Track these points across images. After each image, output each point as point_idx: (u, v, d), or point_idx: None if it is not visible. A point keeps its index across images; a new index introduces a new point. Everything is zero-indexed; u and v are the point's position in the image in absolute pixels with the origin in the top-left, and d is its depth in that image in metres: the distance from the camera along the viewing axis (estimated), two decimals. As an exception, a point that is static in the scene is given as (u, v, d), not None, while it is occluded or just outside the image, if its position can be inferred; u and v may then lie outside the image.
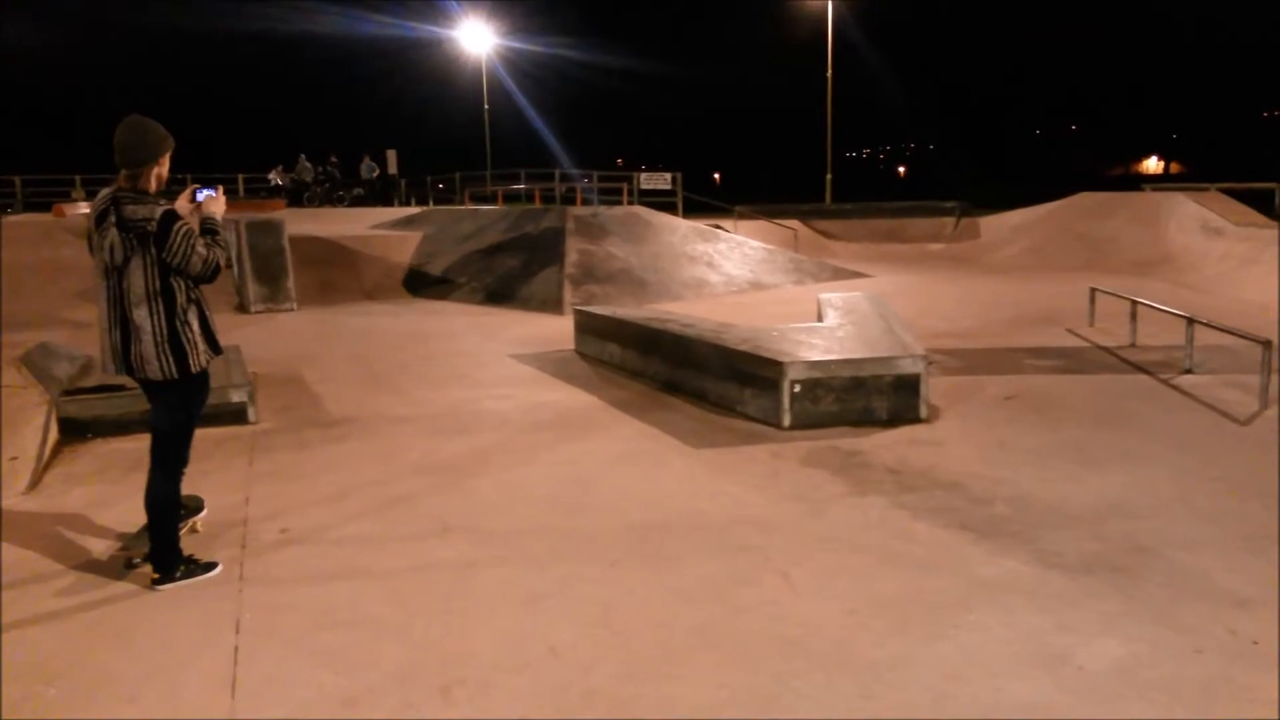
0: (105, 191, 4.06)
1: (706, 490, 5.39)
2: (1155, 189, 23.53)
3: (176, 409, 4.18)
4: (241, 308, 13.86)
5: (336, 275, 15.30)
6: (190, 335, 4.08)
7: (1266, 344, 6.96)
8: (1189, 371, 8.07)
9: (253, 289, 13.78)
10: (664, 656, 3.49)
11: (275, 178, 32.02)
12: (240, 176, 32.95)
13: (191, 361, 4.08)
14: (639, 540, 4.65)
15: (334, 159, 31.98)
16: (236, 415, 6.83)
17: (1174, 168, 79.76)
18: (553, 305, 13.21)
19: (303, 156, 31.66)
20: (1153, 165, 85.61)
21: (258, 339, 10.78)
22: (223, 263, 4.10)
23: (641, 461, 6.00)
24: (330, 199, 30.16)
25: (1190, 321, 8.22)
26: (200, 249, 3.99)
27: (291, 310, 13.74)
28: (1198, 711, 3.07)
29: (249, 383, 7.10)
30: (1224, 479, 5.41)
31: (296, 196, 29.84)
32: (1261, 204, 21.91)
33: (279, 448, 6.35)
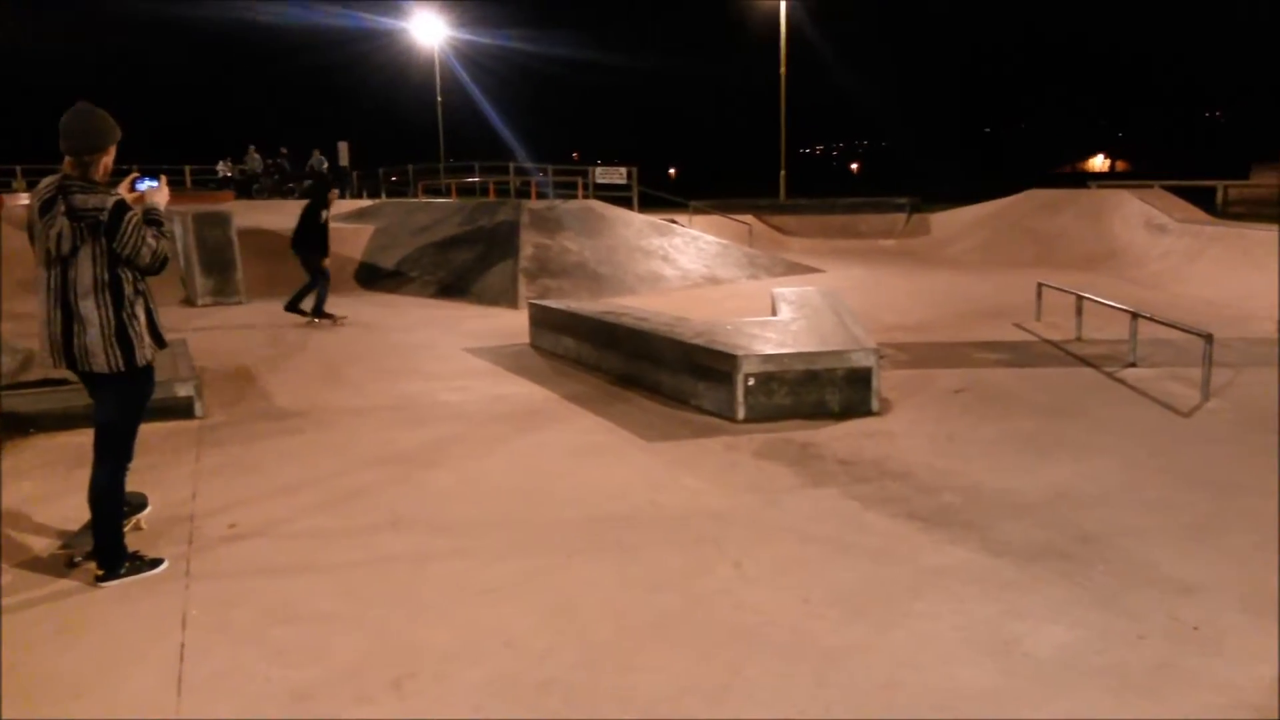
0: (50, 180, 3.96)
1: (662, 482, 5.40)
2: (1101, 186, 24.01)
3: (121, 403, 4.10)
4: (189, 301, 13.62)
5: (287, 268, 14.93)
6: (137, 328, 4.00)
7: (1208, 338, 7.13)
8: (1133, 365, 8.25)
9: (200, 282, 13.53)
10: (621, 646, 3.50)
11: (224, 169, 31.48)
12: (187, 168, 32.33)
13: (138, 354, 4.00)
14: (596, 532, 4.65)
15: (284, 151, 31.50)
16: (183, 409, 6.70)
17: (1120, 165, 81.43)
18: (508, 299, 13.14)
19: (252, 148, 31.16)
20: (1099, 163, 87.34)
21: (206, 332, 10.60)
22: (168, 254, 4.03)
23: (598, 454, 6.00)
24: (280, 191, 29.69)
25: (1134, 316, 8.39)
26: (150, 240, 3.92)
27: (240, 303, 13.52)
28: (1142, 696, 3.14)
29: (196, 376, 6.98)
30: (1169, 469, 5.53)
31: (245, 188, 29.36)
32: (1203, 201, 22.45)
33: (228, 442, 6.24)
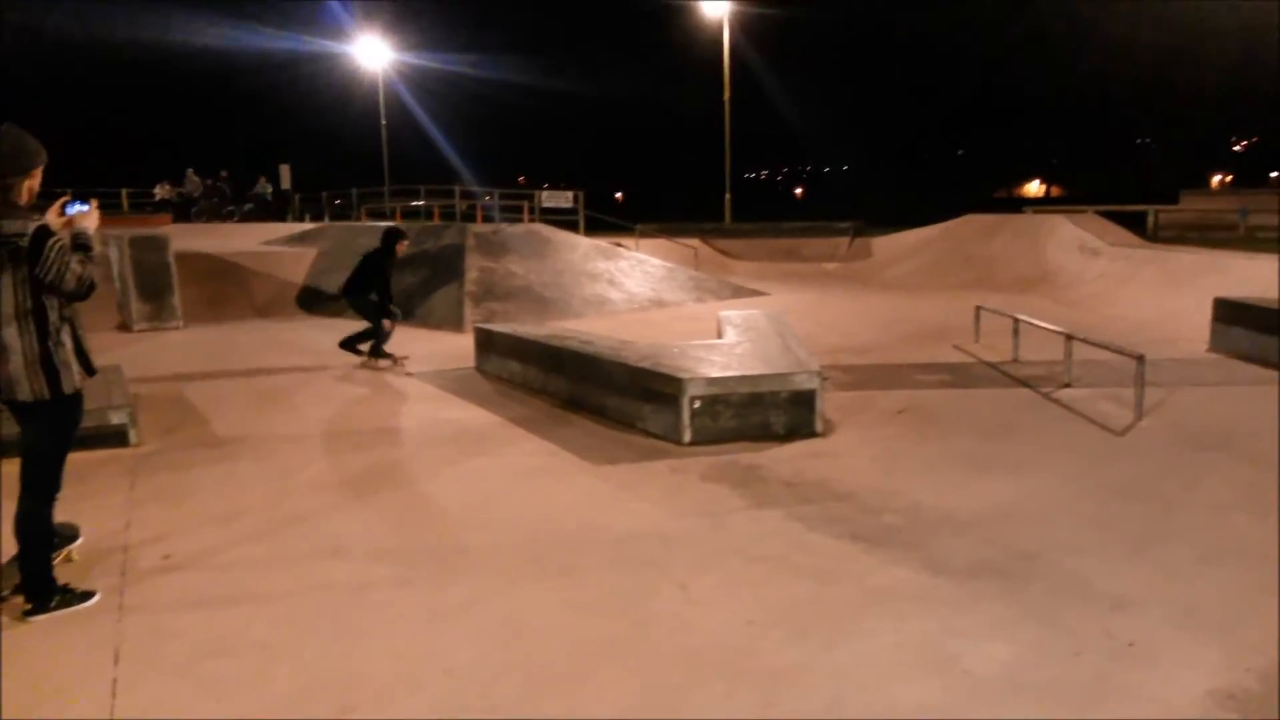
0: None
1: (608, 506, 5.39)
2: (1036, 211, 24.61)
3: (48, 432, 3.98)
4: (124, 326, 13.31)
5: (226, 292, 14.83)
6: (63, 355, 3.90)
7: (1140, 359, 7.32)
8: (1069, 385, 8.44)
9: (136, 306, 13.24)
10: (566, 672, 3.47)
11: (161, 192, 30.90)
12: (124, 191, 31.71)
13: (64, 382, 3.90)
14: (541, 556, 4.62)
15: (224, 173, 31.02)
16: (117, 437, 6.53)
17: (1055, 191, 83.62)
18: (453, 322, 13.05)
19: (190, 171, 30.63)
20: (1035, 189, 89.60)
21: (141, 358, 10.36)
22: (96, 280, 3.93)
23: (543, 478, 5.97)
24: (220, 214, 29.22)
25: (1069, 338, 8.60)
26: (75, 266, 3.82)
27: (178, 328, 13.26)
28: (1079, 711, 3.20)
29: (130, 403, 6.81)
30: (1104, 487, 5.66)
31: (184, 212, 28.84)
32: (1135, 225, 23.12)
33: (163, 469, 6.10)
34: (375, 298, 9.87)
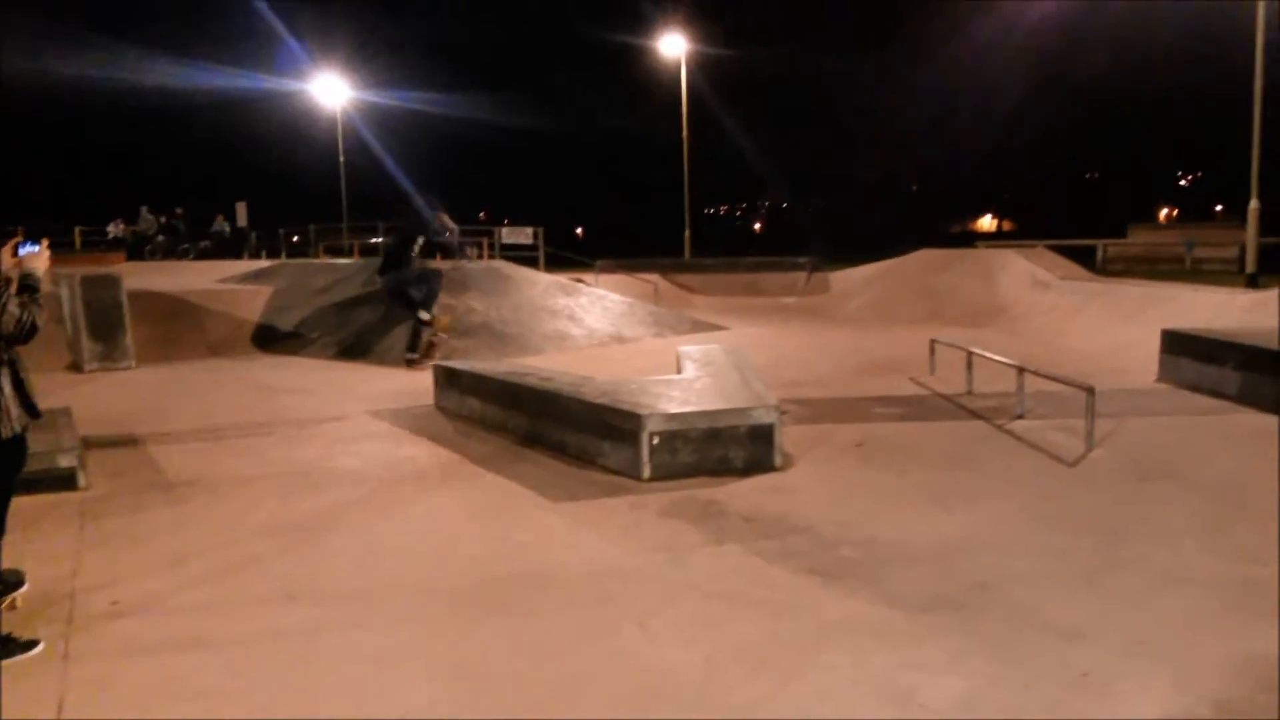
0: None
1: (567, 543, 5.37)
2: (988, 246, 25.07)
3: None
4: (75, 366, 13.06)
5: (180, 331, 14.62)
6: (2, 400, 3.83)
7: (1090, 390, 7.46)
8: (1021, 417, 8.57)
9: (87, 347, 12.99)
10: (524, 713, 3.44)
11: (115, 230, 30.52)
12: (77, 229, 31.29)
13: (4, 426, 3.83)
14: (498, 595, 4.58)
15: (180, 211, 30.73)
16: (65, 481, 6.39)
17: (1006, 225, 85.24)
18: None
19: (145, 208, 30.32)
20: (987, 223, 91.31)
21: (92, 399, 10.17)
22: (39, 322, 3.88)
23: (501, 516, 5.93)
24: (175, 252, 28.91)
25: (1020, 370, 8.74)
26: (13, 308, 3.77)
27: (130, 368, 13.03)
28: (1032, 739, 3.23)
29: (79, 446, 6.68)
30: (1057, 517, 5.74)
31: (138, 249, 28.49)
32: (1084, 259, 23.64)
33: (112, 513, 5.98)
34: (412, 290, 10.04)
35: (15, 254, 3.95)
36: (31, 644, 3.99)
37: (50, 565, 4.95)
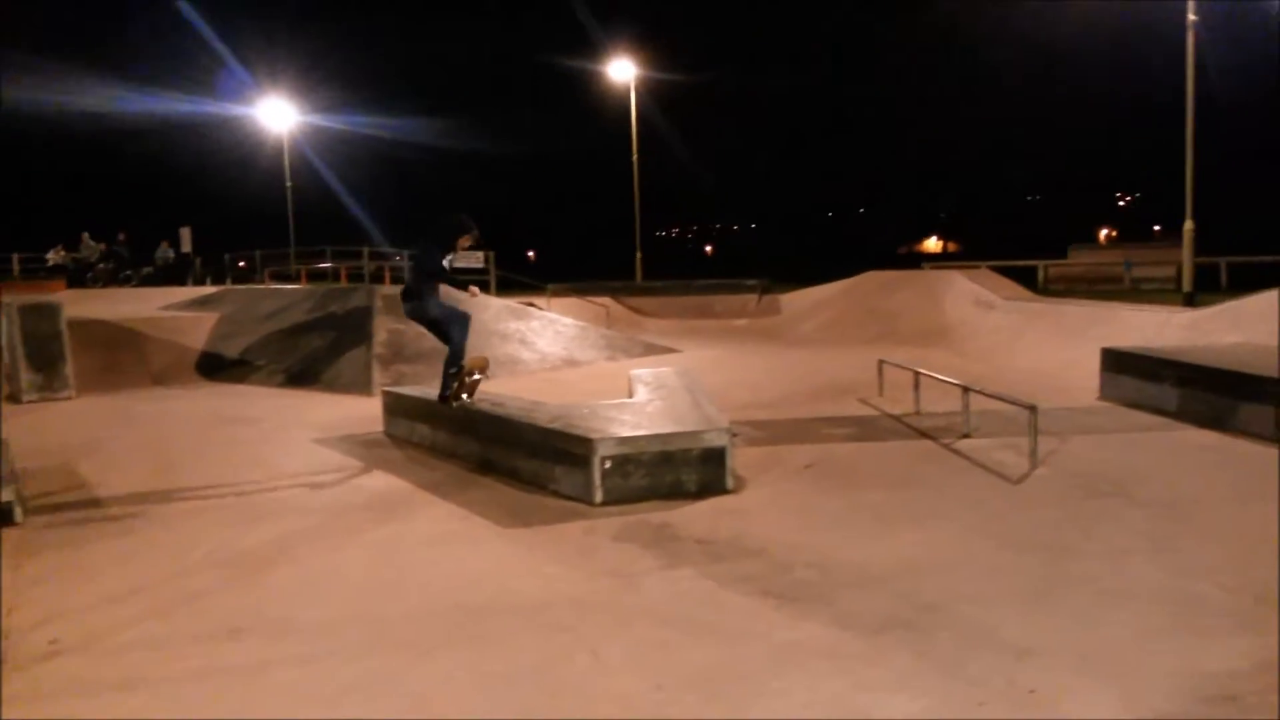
0: None
1: (520, 570, 5.33)
2: (933, 267, 25.50)
3: None
4: (13, 397, 12.72)
5: (122, 359, 14.32)
6: None
7: (1032, 409, 7.60)
8: (967, 436, 8.70)
9: (25, 376, 12.68)
10: (473, 747, 3.40)
11: (55, 257, 29.83)
12: (15, 256, 30.55)
13: None
14: (452, 625, 4.53)
15: (123, 236, 30.14)
16: (2, 515, 6.21)
17: (952, 246, 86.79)
18: (360, 386, 12.83)
19: (86, 235, 29.68)
20: (933, 244, 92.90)
21: (30, 430, 9.90)
22: None
23: (453, 544, 5.87)
24: (117, 279, 28.33)
25: (966, 390, 8.88)
26: None
27: (70, 398, 12.73)
28: (983, 758, 3.26)
29: (17, 478, 6.50)
30: (1004, 535, 5.82)
31: (79, 277, 27.87)
32: (1027, 279, 24.13)
33: (50, 548, 5.81)
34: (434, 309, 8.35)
35: None
36: (-36, 687, 3.89)
37: (-16, 604, 4.79)
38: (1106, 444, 8.40)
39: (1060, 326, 15.21)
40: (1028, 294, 19.74)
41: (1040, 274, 30.85)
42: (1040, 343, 14.98)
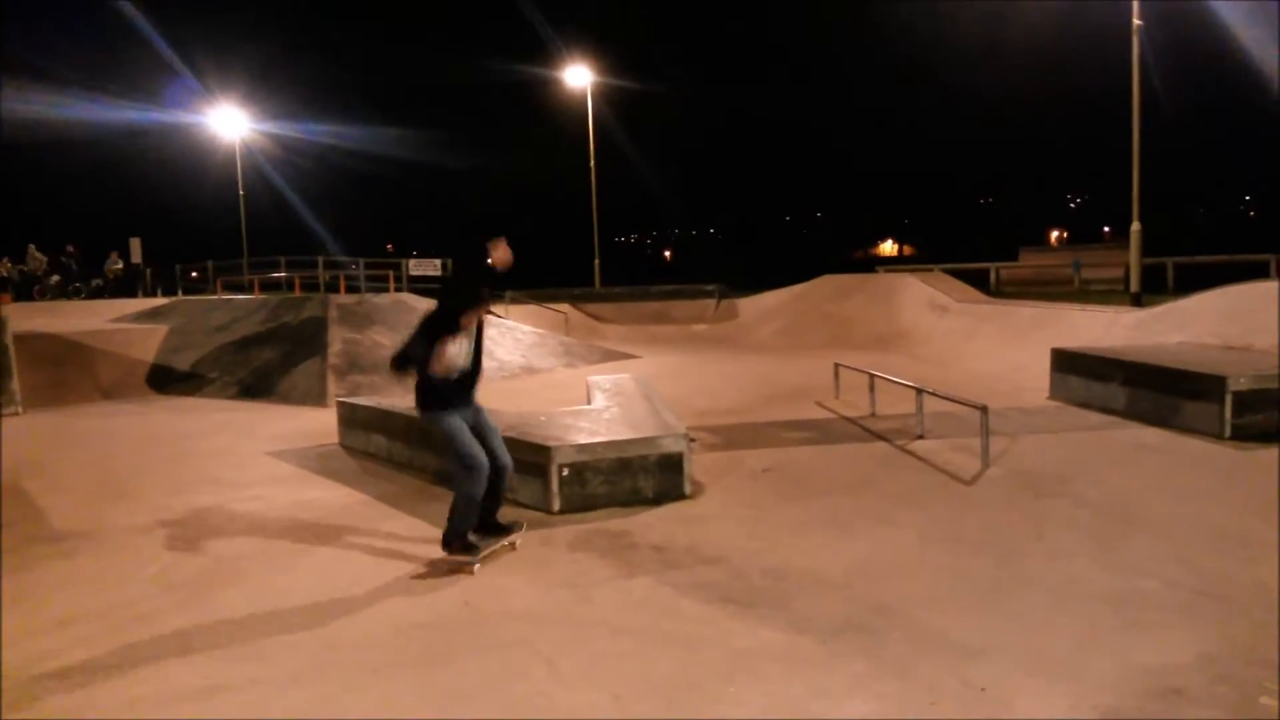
0: None
1: (476, 583, 5.29)
2: (888, 270, 25.76)
3: None
4: (-46, 414, 12.42)
5: (70, 374, 14.04)
6: None
7: (984, 410, 7.71)
8: (921, 437, 8.80)
9: (-32, 393, 12.39)
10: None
11: (1, 270, 29.17)
12: (-42, 269, 29.78)
13: None
14: (403, 644, 4.48)
15: (71, 248, 29.53)
16: (-59, 538, 6.07)
17: (907, 249, 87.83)
18: (315, 397, 12.69)
19: (32, 246, 29.04)
20: (889, 248, 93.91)
21: (-28, 449, 9.67)
22: None
23: (407, 559, 5.80)
24: (65, 292, 27.76)
25: (919, 392, 8.99)
26: None
27: (16, 414, 12.45)
28: (935, 760, 3.29)
29: (-43, 500, 6.35)
30: (955, 537, 5.89)
31: (26, 290, 27.27)
32: (979, 282, 24.46)
33: (-6, 572, 5.68)
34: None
35: None
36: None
37: (-77, 631, 4.67)
38: (1056, 443, 8.53)
39: (1011, 328, 15.44)
40: (980, 296, 20.01)
41: (992, 276, 31.29)
42: (992, 344, 15.20)
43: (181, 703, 3.91)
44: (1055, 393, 10.94)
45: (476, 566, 5.37)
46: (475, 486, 5.35)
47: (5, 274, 28.89)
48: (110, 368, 14.63)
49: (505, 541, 5.72)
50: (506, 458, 5.63)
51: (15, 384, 12.73)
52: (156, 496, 7.59)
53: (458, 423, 5.41)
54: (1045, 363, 11.26)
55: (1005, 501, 6.70)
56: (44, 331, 14.79)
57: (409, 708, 3.81)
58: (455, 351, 5.31)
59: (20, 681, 4.14)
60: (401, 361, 5.47)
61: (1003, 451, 8.01)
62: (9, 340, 12.87)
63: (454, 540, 5.45)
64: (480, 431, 5.52)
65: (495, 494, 5.62)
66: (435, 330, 5.34)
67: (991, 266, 32.22)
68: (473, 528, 5.56)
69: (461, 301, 5.47)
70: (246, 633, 4.67)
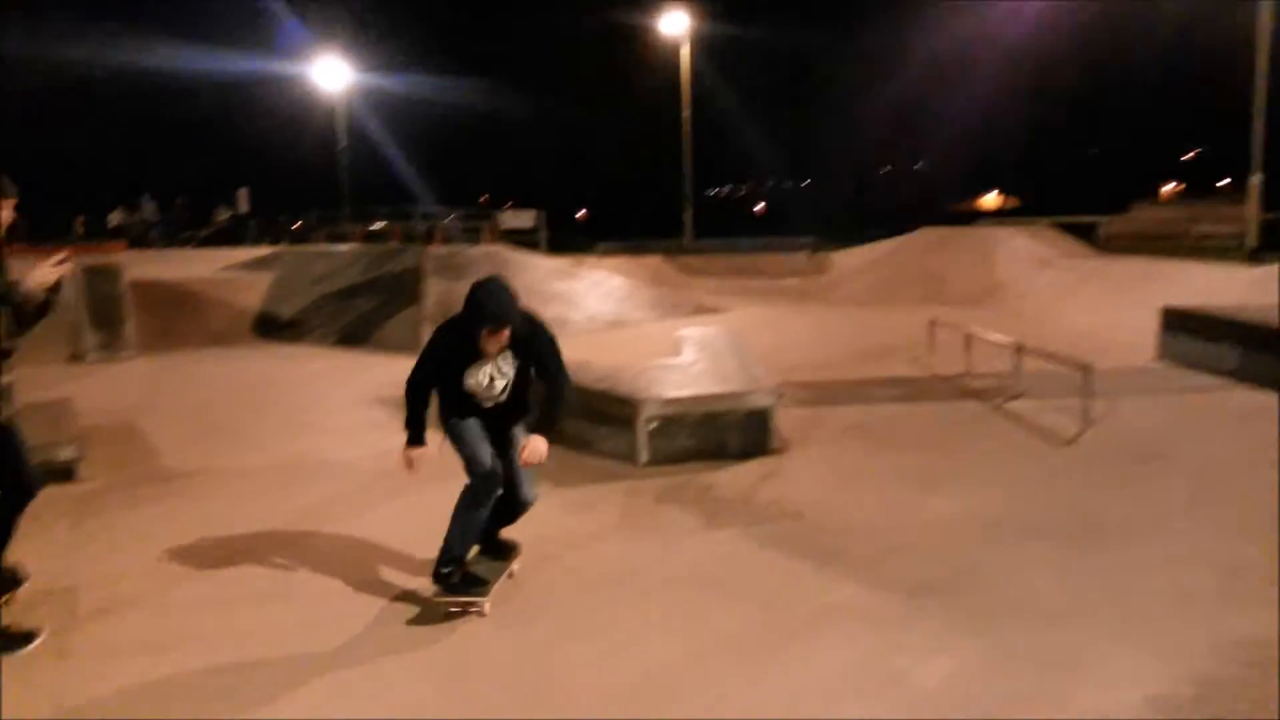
0: None
1: (561, 532, 5.39)
2: (990, 224, 24.94)
3: None
4: (76, 357, 13.11)
5: (181, 320, 14.66)
6: None
7: (1086, 369, 7.46)
8: (1018, 397, 8.57)
9: (88, 337, 13.05)
10: (509, 710, 3.47)
11: (116, 219, 30.53)
12: (79, 218, 31.27)
13: None
14: (493, 592, 4.59)
15: (180, 199, 30.74)
16: (64, 473, 6.43)
17: (1011, 202, 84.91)
18: (410, 347, 12.90)
19: (146, 196, 30.32)
20: (991, 200, 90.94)
21: (92, 390, 10.20)
22: None
23: (497, 504, 5.94)
24: (176, 240, 28.93)
25: (1018, 350, 8.74)
26: None
27: (131, 358, 13.08)
28: (1017, 723, 3.26)
29: (78, 438, 6.72)
30: (1047, 500, 5.75)
31: (140, 239, 28.50)
32: (1086, 235, 23.53)
33: (110, 507, 6.01)
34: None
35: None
36: (30, 637, 4.03)
37: (47, 560, 4.97)
38: (1161, 406, 8.23)
39: (1117, 285, 14.85)
40: (1085, 251, 19.27)
41: (1100, 231, 30.05)
42: (1096, 301, 14.65)
43: (277, 640, 4.10)
44: (1163, 353, 10.51)
45: (487, 606, 4.26)
46: (478, 498, 4.41)
47: (120, 223, 30.24)
48: (219, 314, 15.23)
49: (507, 571, 4.61)
50: (530, 493, 4.61)
51: (130, 329, 13.36)
52: (259, 440, 7.91)
53: (469, 423, 4.49)
54: (1153, 321, 10.82)
55: (1102, 465, 6.50)
56: (156, 279, 15.44)
57: (494, 655, 3.93)
58: (475, 383, 4.41)
59: (131, 612, 4.40)
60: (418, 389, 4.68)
61: (1104, 413, 7.75)
62: (124, 288, 13.49)
63: (451, 566, 4.30)
64: (508, 468, 4.48)
65: (503, 521, 4.68)
66: (445, 353, 4.49)
67: (1099, 220, 30.91)
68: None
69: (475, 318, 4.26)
70: (342, 574, 4.85)
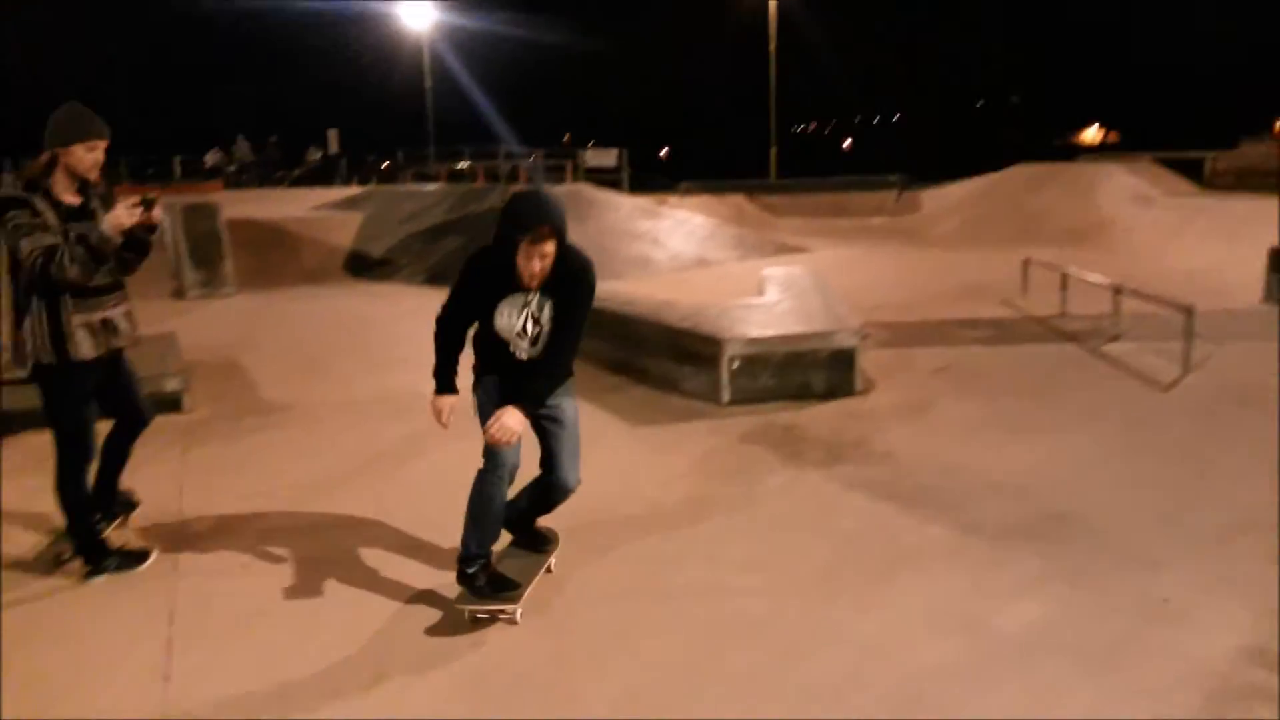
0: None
1: (643, 471, 5.45)
2: (1090, 159, 23.94)
3: (45, 403, 4.07)
4: (178, 293, 13.62)
5: (276, 258, 15.06)
6: (37, 331, 3.87)
7: (1189, 311, 7.18)
8: (1116, 339, 8.30)
9: (189, 274, 13.52)
10: (594, 647, 3.55)
11: (212, 159, 31.39)
12: (176, 158, 32.25)
13: (33, 357, 3.91)
14: (573, 526, 4.63)
15: (273, 139, 31.41)
16: (171, 404, 6.73)
17: (1112, 137, 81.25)
18: (496, 286, 13.13)
19: (240, 137, 31.07)
20: (1092, 134, 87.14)
21: (194, 325, 10.60)
22: (68, 274, 3.74)
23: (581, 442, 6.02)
24: (270, 180, 29.64)
25: (1117, 291, 8.44)
26: (23, 243, 3.69)
27: (230, 295, 13.52)
28: (1105, 668, 3.22)
29: (184, 370, 7.02)
30: (1145, 446, 5.60)
31: (235, 178, 29.29)
32: (1191, 172, 22.43)
33: (214, 437, 6.29)
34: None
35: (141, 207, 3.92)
36: (143, 556, 4.27)
37: (158, 485, 5.24)
38: (1267, 351, 7.86)
39: (1224, 224, 14.16)
40: (1191, 188, 18.40)
41: (1207, 167, 28.60)
42: (1201, 241, 14.01)
43: (374, 563, 4.27)
44: (1270, 295, 10.05)
45: (519, 613, 3.70)
46: (489, 486, 3.93)
47: (216, 163, 31.08)
48: (312, 253, 15.61)
49: (544, 567, 4.08)
50: (571, 477, 4.07)
51: (229, 267, 13.80)
52: (353, 375, 8.15)
53: (493, 392, 4.09)
54: (1260, 262, 10.32)
55: (1202, 411, 6.28)
56: (253, 218, 15.86)
57: (579, 589, 4.02)
58: (506, 324, 3.90)
59: (241, 537, 4.62)
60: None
61: (1206, 358, 7.46)
62: (222, 227, 13.90)
63: (474, 566, 3.76)
64: (545, 438, 4.09)
65: (540, 507, 4.21)
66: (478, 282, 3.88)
67: (1207, 156, 29.41)
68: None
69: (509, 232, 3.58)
70: (432, 504, 4.97)
